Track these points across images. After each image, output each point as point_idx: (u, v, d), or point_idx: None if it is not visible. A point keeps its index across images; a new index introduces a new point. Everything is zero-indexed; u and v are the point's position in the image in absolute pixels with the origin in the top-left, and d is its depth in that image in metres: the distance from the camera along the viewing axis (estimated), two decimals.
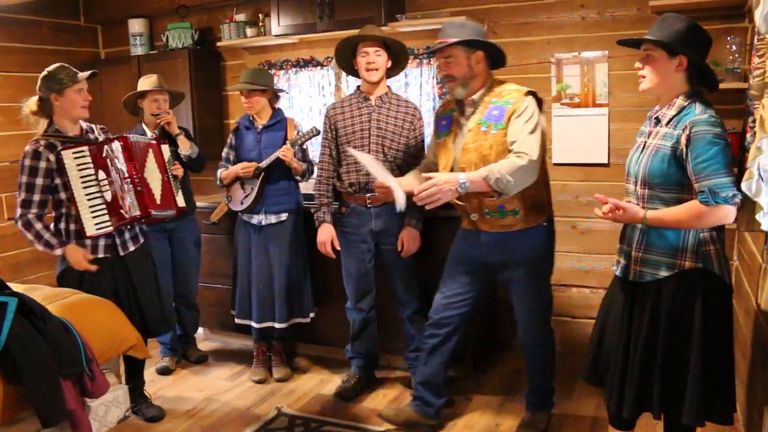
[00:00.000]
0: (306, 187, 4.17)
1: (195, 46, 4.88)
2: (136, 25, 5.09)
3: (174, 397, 3.77)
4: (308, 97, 4.78)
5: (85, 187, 3.12)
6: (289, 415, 3.45)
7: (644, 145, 2.39)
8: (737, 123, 3.19)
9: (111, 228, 3.17)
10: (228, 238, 4.19)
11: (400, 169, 3.47)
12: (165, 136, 3.88)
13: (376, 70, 3.40)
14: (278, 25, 4.41)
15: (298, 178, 3.83)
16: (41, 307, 2.60)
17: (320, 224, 3.57)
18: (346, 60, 3.51)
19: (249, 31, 4.64)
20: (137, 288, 3.28)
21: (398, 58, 3.51)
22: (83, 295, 3.01)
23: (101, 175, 3.16)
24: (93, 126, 3.37)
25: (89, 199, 3.13)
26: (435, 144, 3.17)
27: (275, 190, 3.80)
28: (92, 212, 3.13)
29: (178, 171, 3.54)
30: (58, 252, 3.13)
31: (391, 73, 3.55)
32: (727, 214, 2.18)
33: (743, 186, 2.18)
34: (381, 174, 2.92)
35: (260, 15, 4.64)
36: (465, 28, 2.87)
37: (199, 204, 4.28)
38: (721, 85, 3.38)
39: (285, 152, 3.68)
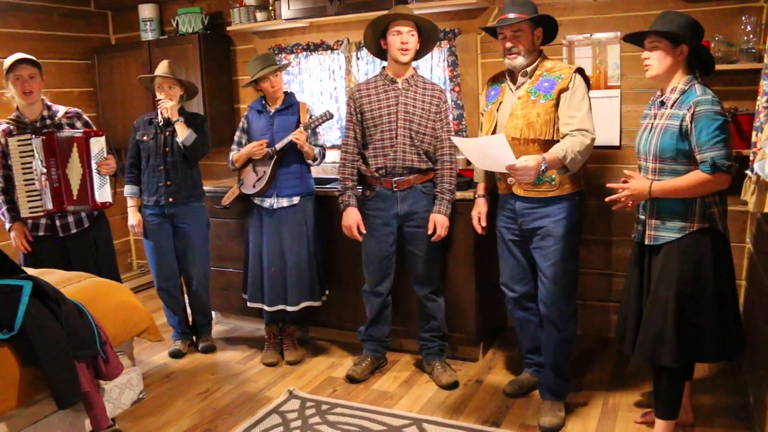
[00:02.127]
0: (316, 170, 4.18)
1: (205, 30, 4.87)
2: (146, 11, 5.09)
3: (186, 379, 3.81)
4: (319, 81, 4.77)
5: (24, 173, 3.48)
6: (301, 397, 3.48)
7: (651, 126, 2.69)
8: (751, 104, 3.16)
9: (42, 214, 3.52)
10: (239, 222, 4.20)
11: (426, 153, 3.48)
12: (168, 122, 3.89)
13: (409, 50, 3.38)
14: (288, 9, 4.39)
15: (309, 162, 3.83)
16: (55, 290, 2.62)
17: (345, 208, 3.57)
18: (375, 40, 3.49)
19: (259, 15, 4.63)
20: (75, 270, 3.32)
21: (427, 40, 3.49)
22: (97, 279, 3.04)
23: (34, 164, 3.48)
24: (59, 110, 3.61)
25: (26, 184, 3.49)
26: (483, 114, 3.29)
27: (287, 173, 3.81)
28: (28, 196, 3.50)
29: (104, 168, 3.59)
30: (8, 226, 3.58)
31: (417, 54, 3.52)
32: (725, 181, 2.52)
33: (756, 166, 2.19)
34: (489, 157, 2.90)
35: None
36: (527, 6, 3.03)
37: (208, 188, 4.27)
38: (736, 66, 3.39)
39: (298, 136, 3.68)
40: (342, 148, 3.61)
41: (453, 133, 3.54)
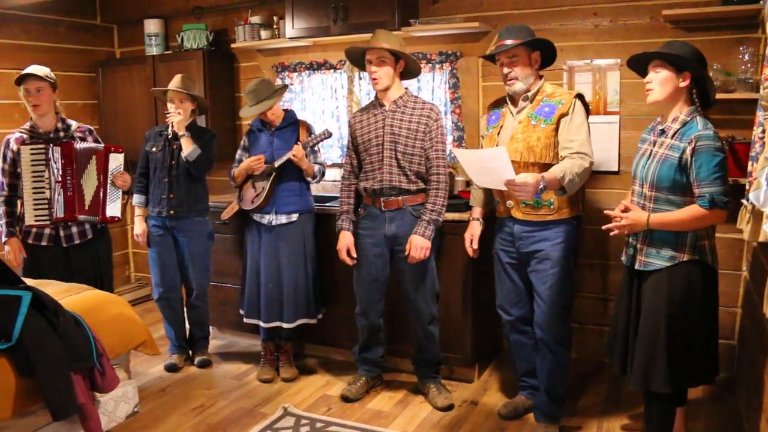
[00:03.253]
0: (316, 188, 4.20)
1: (209, 47, 4.92)
2: (151, 26, 5.15)
3: (182, 393, 3.80)
4: (321, 99, 4.81)
5: (34, 181, 3.51)
6: (296, 414, 3.48)
7: (650, 152, 2.71)
8: (747, 133, 3.19)
9: (48, 222, 3.54)
10: (238, 237, 4.22)
11: (417, 174, 3.45)
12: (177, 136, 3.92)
13: (378, 79, 3.41)
14: (292, 27, 4.44)
15: (309, 179, 3.86)
16: (54, 301, 2.63)
17: (339, 231, 3.60)
18: (361, 63, 3.53)
19: (263, 34, 4.68)
20: (75, 280, 3.38)
21: (407, 63, 3.48)
22: (95, 291, 3.05)
23: (47, 173, 3.51)
24: (71, 124, 3.67)
25: (35, 192, 3.52)
26: (483, 138, 3.32)
27: (286, 190, 3.83)
28: (35, 204, 3.52)
29: (119, 181, 3.66)
30: (4, 240, 3.60)
31: (405, 75, 3.54)
32: (721, 216, 2.55)
33: (751, 196, 2.22)
34: (487, 174, 2.89)
35: (275, 17, 4.68)
36: (523, 31, 3.09)
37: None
38: (733, 95, 3.43)
39: (296, 153, 3.71)
40: (342, 173, 3.67)
41: (444, 152, 3.48)
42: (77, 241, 3.64)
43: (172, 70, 4.66)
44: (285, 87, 3.91)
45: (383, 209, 3.50)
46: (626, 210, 2.68)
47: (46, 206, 3.52)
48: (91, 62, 5.38)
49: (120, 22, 5.56)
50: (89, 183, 3.60)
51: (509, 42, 3.04)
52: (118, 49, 5.65)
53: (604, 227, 2.74)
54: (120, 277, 5.75)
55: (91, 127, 3.80)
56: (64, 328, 2.57)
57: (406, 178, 3.45)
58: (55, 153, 3.52)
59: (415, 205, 3.49)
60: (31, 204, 3.51)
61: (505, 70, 3.07)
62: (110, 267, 3.88)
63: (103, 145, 3.67)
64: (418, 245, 3.38)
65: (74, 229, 3.63)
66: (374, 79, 3.41)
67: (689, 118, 2.60)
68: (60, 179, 3.51)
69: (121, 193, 3.70)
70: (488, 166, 2.83)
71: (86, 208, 3.60)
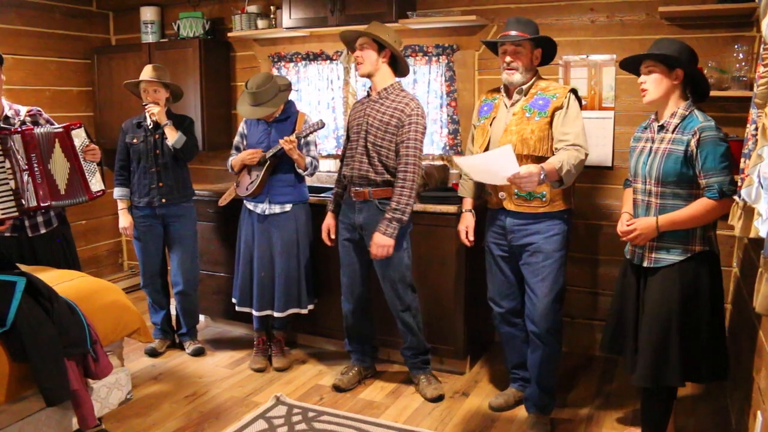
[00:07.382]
0: (310, 180, 4.21)
1: (206, 35, 4.90)
2: (148, 13, 5.12)
3: (174, 382, 3.82)
4: (317, 90, 4.81)
5: None
6: (288, 404, 3.49)
7: (650, 149, 2.74)
8: (741, 131, 3.22)
9: (16, 214, 3.21)
10: (231, 227, 4.23)
11: (385, 167, 3.43)
12: (157, 125, 3.92)
13: (361, 64, 3.44)
14: (289, 18, 4.44)
15: (300, 171, 3.84)
16: (48, 287, 2.63)
17: (326, 212, 3.75)
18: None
19: (260, 23, 4.67)
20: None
21: (394, 52, 3.41)
22: (89, 278, 3.05)
23: (7, 163, 3.18)
24: (20, 109, 3.40)
25: None
26: (475, 127, 3.34)
27: (281, 181, 3.84)
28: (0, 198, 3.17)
29: (90, 155, 3.38)
30: None
31: (398, 71, 3.53)
32: (729, 205, 2.56)
33: (743, 192, 2.24)
34: (487, 170, 2.90)
35: (272, 7, 4.67)
36: (530, 25, 3.11)
37: (204, 192, 4.33)
38: (727, 93, 3.45)
39: (287, 142, 3.70)
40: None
41: (417, 149, 3.39)
42: (43, 231, 3.42)
43: (168, 59, 4.65)
44: (289, 88, 3.87)
45: (353, 198, 3.54)
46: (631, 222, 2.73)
47: (11, 197, 3.20)
48: (86, 49, 5.35)
49: (116, 8, 5.52)
50: (58, 168, 3.33)
51: (515, 33, 3.06)
52: (113, 36, 5.62)
53: (622, 238, 2.78)
54: (113, 266, 5.76)
55: (39, 108, 3.53)
56: (58, 314, 2.57)
57: (373, 170, 3.46)
58: (16, 142, 3.21)
59: (381, 199, 3.48)
60: None
61: (508, 58, 3.09)
62: (76, 253, 3.66)
63: (61, 126, 3.36)
64: (378, 243, 3.38)
65: (39, 219, 3.40)
66: (358, 64, 3.46)
67: (687, 112, 2.65)
68: (26, 167, 3.24)
69: (95, 165, 3.44)
70: (492, 164, 2.83)
71: (62, 193, 3.34)
